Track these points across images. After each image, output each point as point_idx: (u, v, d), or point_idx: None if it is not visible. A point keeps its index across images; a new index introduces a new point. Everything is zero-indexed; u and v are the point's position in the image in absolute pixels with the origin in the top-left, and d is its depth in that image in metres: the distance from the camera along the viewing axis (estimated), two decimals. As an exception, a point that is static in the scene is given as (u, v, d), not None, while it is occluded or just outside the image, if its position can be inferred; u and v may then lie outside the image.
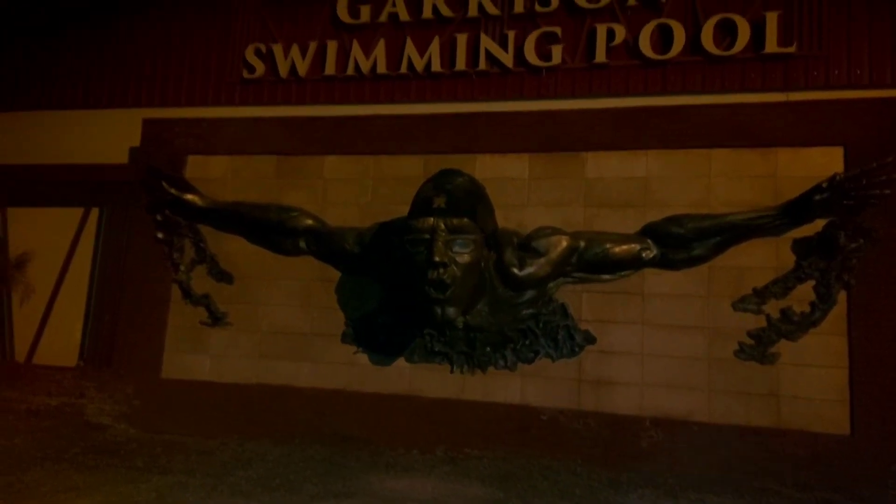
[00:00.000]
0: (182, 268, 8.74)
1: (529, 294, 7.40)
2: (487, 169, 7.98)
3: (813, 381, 6.81)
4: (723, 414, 6.98)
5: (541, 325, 7.38)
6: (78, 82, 9.94)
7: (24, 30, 10.22)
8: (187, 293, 8.69)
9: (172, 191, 8.63)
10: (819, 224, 6.94)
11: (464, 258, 6.69)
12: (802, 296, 6.95)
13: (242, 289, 8.58)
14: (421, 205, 6.84)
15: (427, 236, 6.68)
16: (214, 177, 8.93)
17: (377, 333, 7.91)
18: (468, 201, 6.80)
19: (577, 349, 7.36)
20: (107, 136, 9.47)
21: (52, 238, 9.59)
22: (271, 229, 8.43)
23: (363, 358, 7.99)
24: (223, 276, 8.65)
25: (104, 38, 9.99)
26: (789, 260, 7.04)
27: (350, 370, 8.00)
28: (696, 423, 7.01)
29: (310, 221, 8.32)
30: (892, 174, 6.50)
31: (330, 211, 8.45)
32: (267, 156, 8.81)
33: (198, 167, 9.00)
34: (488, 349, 7.43)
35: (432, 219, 6.72)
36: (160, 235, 8.76)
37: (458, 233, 6.69)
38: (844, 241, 6.69)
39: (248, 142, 8.89)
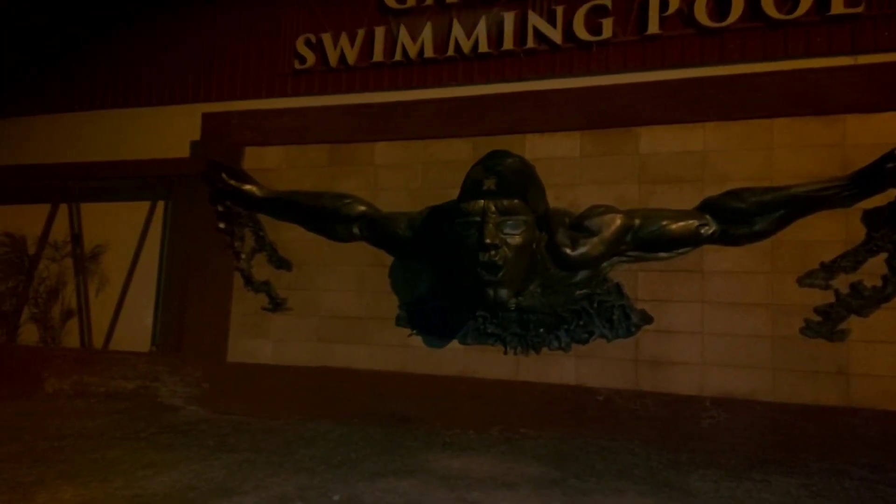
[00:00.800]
0: (243, 256, 9.04)
1: (583, 274, 7.31)
2: (537, 149, 7.90)
3: (885, 358, 6.49)
4: (788, 393, 6.75)
5: (595, 305, 7.29)
6: (139, 81, 10.38)
7: (86, 30, 10.71)
8: (249, 280, 9.00)
9: (232, 182, 8.92)
10: (891, 194, 6.56)
11: (515, 239, 6.66)
12: (874, 269, 6.60)
13: (300, 275, 8.82)
14: (471, 187, 6.84)
15: (478, 219, 6.68)
16: (270, 167, 9.18)
17: (430, 316, 8.00)
18: (518, 182, 6.75)
19: (633, 329, 7.24)
20: (169, 131, 9.88)
21: (123, 231, 10.12)
22: (326, 217, 8.61)
23: (417, 340, 8.10)
24: (282, 264, 8.92)
25: (162, 36, 10.40)
26: (859, 232, 6.69)
27: (405, 352, 8.13)
28: (759, 402, 6.80)
29: (362, 208, 8.46)
30: (974, 138, 6.06)
31: (381, 197, 8.56)
32: (319, 145, 8.98)
33: (254, 158, 9.27)
34: (542, 330, 7.40)
35: (482, 201, 6.71)
36: (222, 225, 9.07)
37: (509, 214, 6.66)
38: (920, 210, 6.31)
39: (301, 131, 9.08)
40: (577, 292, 7.33)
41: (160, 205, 10.20)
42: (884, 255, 6.57)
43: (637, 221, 7.21)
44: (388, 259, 8.41)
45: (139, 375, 9.23)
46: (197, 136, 9.58)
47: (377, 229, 8.37)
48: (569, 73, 8.20)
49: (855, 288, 6.62)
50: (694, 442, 6.77)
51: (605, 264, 7.33)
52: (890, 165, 6.31)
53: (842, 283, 6.70)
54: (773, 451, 6.49)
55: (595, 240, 7.19)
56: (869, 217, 6.66)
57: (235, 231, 9.09)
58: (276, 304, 8.84)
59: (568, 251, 7.18)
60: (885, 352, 6.49)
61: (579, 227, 7.28)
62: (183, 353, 9.18)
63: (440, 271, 7.90)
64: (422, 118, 8.52)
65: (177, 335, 9.46)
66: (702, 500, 5.20)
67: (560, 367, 7.41)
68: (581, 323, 7.33)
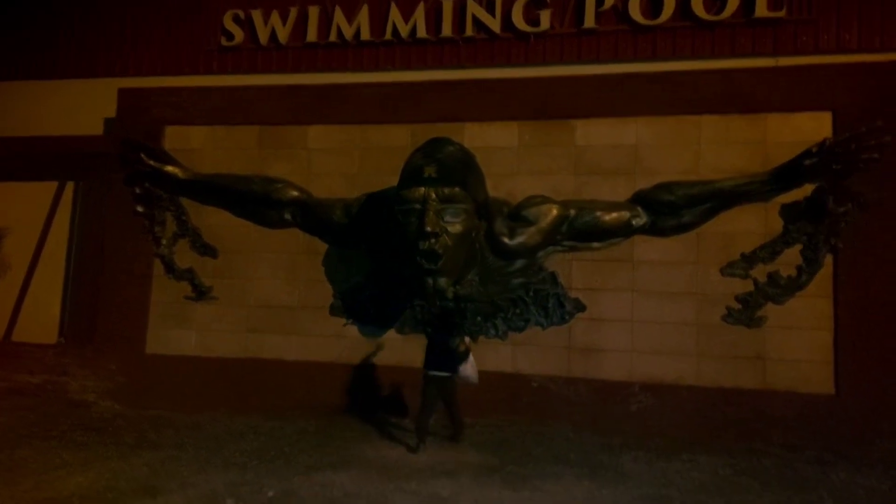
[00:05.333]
0: (164, 242, 8.54)
1: (519, 263, 7.37)
2: (476, 137, 7.87)
3: (799, 344, 6.93)
4: (711, 377, 7.08)
5: (531, 293, 7.37)
6: (48, 51, 9.55)
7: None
8: (170, 268, 8.50)
9: (151, 163, 8.38)
10: (807, 189, 6.98)
11: (455, 228, 6.60)
12: (789, 260, 7.02)
13: (227, 263, 8.42)
14: (411, 174, 6.72)
15: (418, 206, 6.57)
16: (194, 147, 8.69)
17: (366, 306, 7.84)
18: (459, 170, 6.69)
19: (567, 317, 7.38)
20: (81, 106, 9.18)
21: (28, 213, 9.34)
22: (256, 201, 8.25)
23: (353, 330, 7.93)
24: (207, 250, 8.48)
25: (75, 4, 9.58)
26: (777, 225, 7.09)
27: (340, 343, 7.93)
28: (684, 387, 7.10)
29: (295, 193, 8.16)
30: (881, 139, 6.53)
31: (315, 182, 8.29)
32: (248, 126, 8.58)
33: (176, 138, 8.75)
34: (479, 319, 7.41)
35: (423, 188, 6.60)
36: (140, 209, 8.52)
37: (450, 202, 6.58)
38: (833, 205, 6.75)
39: (229, 111, 8.64)
40: (514, 281, 7.38)
41: (69, 185, 9.45)
42: (798, 247, 7.00)
43: (572, 212, 7.32)
44: (322, 246, 8.17)
45: (46, 369, 8.53)
46: (112, 113, 8.92)
47: (311, 215, 8.10)
48: (507, 62, 8.21)
49: (772, 277, 7.02)
50: (624, 425, 6.99)
51: (540, 254, 7.41)
52: (807, 162, 6.68)
53: (760, 272, 7.08)
54: (697, 433, 6.79)
55: (532, 229, 7.25)
56: (786, 211, 7.07)
57: (155, 215, 8.56)
58: (201, 293, 8.40)
59: (506, 240, 7.21)
60: (799, 337, 6.92)
61: (517, 216, 7.32)
62: (95, 344, 8.57)
63: (377, 259, 7.75)
64: (359, 102, 8.30)
65: (88, 325, 8.82)
66: (635, 479, 5.37)
67: (496, 356, 7.44)
68: (517, 311, 7.40)
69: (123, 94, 8.87)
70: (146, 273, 8.57)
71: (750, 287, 7.07)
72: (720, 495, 5.00)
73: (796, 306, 6.96)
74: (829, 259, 6.93)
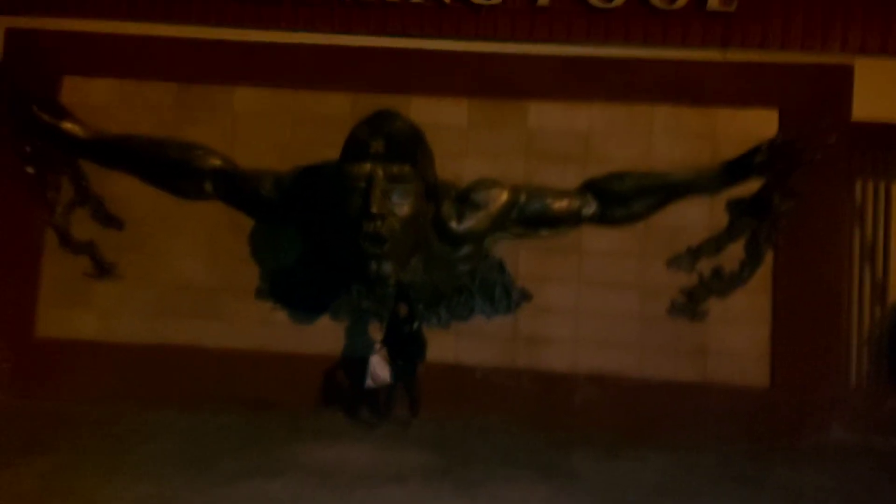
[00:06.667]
0: (59, 209, 7.48)
1: (466, 249, 7.02)
2: (423, 113, 7.32)
3: (738, 337, 7.03)
4: (653, 370, 7.06)
5: (477, 281, 7.04)
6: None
7: None
8: (66, 239, 7.47)
9: (45, 117, 7.30)
10: (752, 185, 7.02)
11: (403, 210, 6.13)
12: (733, 254, 7.07)
13: (135, 236, 7.49)
14: (355, 149, 6.17)
15: (363, 184, 6.05)
16: (97, 103, 7.63)
17: (297, 289, 7.20)
18: (408, 147, 6.21)
19: (512, 306, 7.11)
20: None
21: None
22: (170, 168, 7.38)
23: (281, 316, 7.28)
24: (110, 221, 7.50)
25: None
26: (722, 219, 7.11)
27: (266, 329, 7.27)
28: (627, 378, 7.05)
29: (217, 162, 7.35)
30: (826, 138, 6.62)
31: (241, 150, 7.49)
32: (164, 82, 7.62)
33: (76, 91, 7.64)
34: (421, 306, 6.97)
35: (369, 165, 6.09)
36: (30, 170, 7.42)
37: (398, 182, 6.11)
38: (778, 202, 6.82)
39: (140, 64, 7.62)
40: (460, 268, 7.03)
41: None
42: (742, 242, 7.05)
43: (523, 198, 7.03)
44: (248, 222, 7.41)
45: None
46: (-2, 57, 7.66)
47: (235, 187, 7.32)
48: (456, 34, 7.67)
49: (716, 271, 7.05)
50: (567, 418, 6.84)
51: (487, 240, 7.08)
52: (758, 159, 6.72)
53: (705, 266, 7.09)
54: (638, 426, 6.74)
55: (481, 214, 6.91)
56: (731, 206, 7.10)
57: (49, 178, 7.46)
58: (103, 270, 7.42)
59: (454, 225, 6.83)
60: (740, 331, 7.02)
61: (465, 200, 6.94)
62: (-26, 325, 7.41)
63: (312, 239, 7.12)
64: (292, 64, 7.53)
65: (-37, 304, 7.59)
66: (589, 482, 5.21)
67: (439, 345, 7.02)
68: (462, 299, 7.04)
69: (12, 34, 7.63)
70: (36, 244, 7.49)
71: (695, 280, 7.06)
72: (675, 498, 4.90)
73: (738, 300, 7.04)
74: (769, 255, 7.03)
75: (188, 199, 7.45)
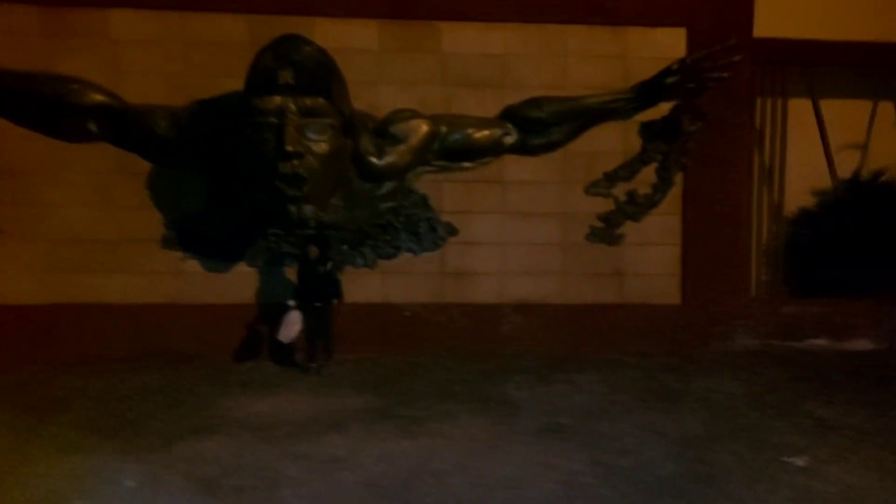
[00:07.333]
0: (-86, 158, 6.43)
1: (388, 186, 6.76)
2: (329, 37, 6.75)
3: (651, 259, 7.35)
4: (575, 295, 7.29)
5: (401, 218, 6.85)
6: None
7: None
8: (-72, 192, 6.49)
9: None
10: (663, 108, 7.15)
11: (321, 147, 5.75)
12: (646, 178, 7.27)
13: (14, 186, 6.65)
14: (262, 79, 5.65)
15: (274, 120, 5.60)
16: (-59, 32, 6.47)
17: (207, 236, 6.70)
18: (321, 77, 5.75)
19: (439, 242, 7.01)
20: None
21: None
22: (45, 107, 6.49)
23: (193, 265, 6.80)
24: (-19, 171, 6.57)
25: None
26: (636, 144, 7.25)
27: (178, 280, 6.79)
28: (551, 305, 7.24)
29: (99, 97, 6.55)
30: (732, 57, 6.76)
31: (126, 83, 6.70)
32: (24, 5, 6.55)
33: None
34: (345, 247, 6.73)
35: (279, 98, 5.61)
36: None
37: (313, 116, 5.70)
38: (687, 124, 7.00)
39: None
40: (383, 205, 6.78)
41: None
42: (654, 165, 7.24)
43: (444, 129, 6.80)
44: (144, 165, 6.74)
45: None
46: None
47: (124, 126, 6.58)
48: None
49: (631, 196, 7.24)
50: (496, 347, 6.98)
51: (410, 174, 6.84)
52: (668, 80, 6.78)
53: (620, 191, 7.26)
54: (562, 348, 7.01)
55: (402, 148, 6.63)
56: (643, 130, 7.23)
57: None
58: (-21, 226, 6.57)
59: (374, 160, 6.51)
60: (653, 253, 7.33)
61: (385, 133, 6.61)
62: None
63: (219, 182, 6.57)
64: (176, -17, 6.69)
65: None
66: (526, 410, 5.34)
67: (365, 286, 6.88)
68: (387, 238, 6.85)
69: None
70: None
71: (611, 206, 7.23)
72: (607, 418, 5.15)
73: (651, 223, 7.31)
74: (679, 177, 7.28)
75: (71, 141, 6.65)
